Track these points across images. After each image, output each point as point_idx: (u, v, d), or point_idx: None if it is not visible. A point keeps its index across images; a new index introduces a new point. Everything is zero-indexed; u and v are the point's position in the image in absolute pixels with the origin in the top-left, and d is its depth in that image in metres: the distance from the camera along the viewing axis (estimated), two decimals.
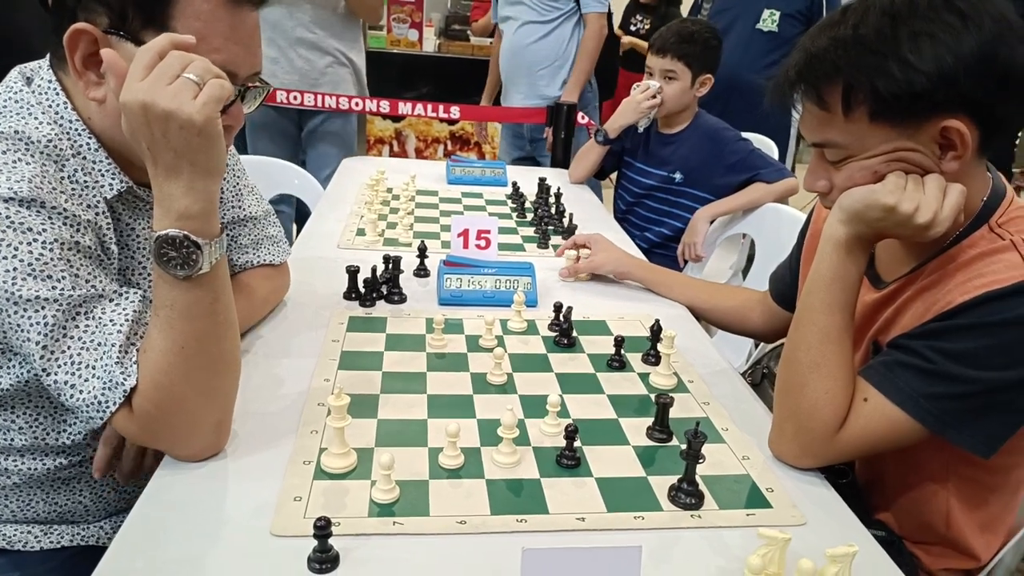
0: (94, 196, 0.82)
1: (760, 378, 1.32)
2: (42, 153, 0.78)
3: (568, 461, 0.84)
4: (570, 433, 0.84)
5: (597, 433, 0.91)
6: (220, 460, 0.81)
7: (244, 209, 1.12)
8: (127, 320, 0.75)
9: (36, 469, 0.88)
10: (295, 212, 2.57)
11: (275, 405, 0.91)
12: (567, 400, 0.98)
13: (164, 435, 0.77)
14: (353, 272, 1.24)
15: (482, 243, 1.38)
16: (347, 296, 1.24)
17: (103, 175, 0.83)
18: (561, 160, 2.48)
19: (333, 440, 0.80)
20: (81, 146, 0.82)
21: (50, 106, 0.81)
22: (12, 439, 0.86)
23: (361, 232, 1.58)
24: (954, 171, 0.81)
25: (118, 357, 0.73)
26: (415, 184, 1.90)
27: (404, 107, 2.58)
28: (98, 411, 0.74)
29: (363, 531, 0.71)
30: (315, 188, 2.02)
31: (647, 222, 2.12)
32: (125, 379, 0.73)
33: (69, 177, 0.80)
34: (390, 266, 1.26)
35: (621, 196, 2.19)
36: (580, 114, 2.55)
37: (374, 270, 1.25)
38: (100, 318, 0.75)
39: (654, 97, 1.97)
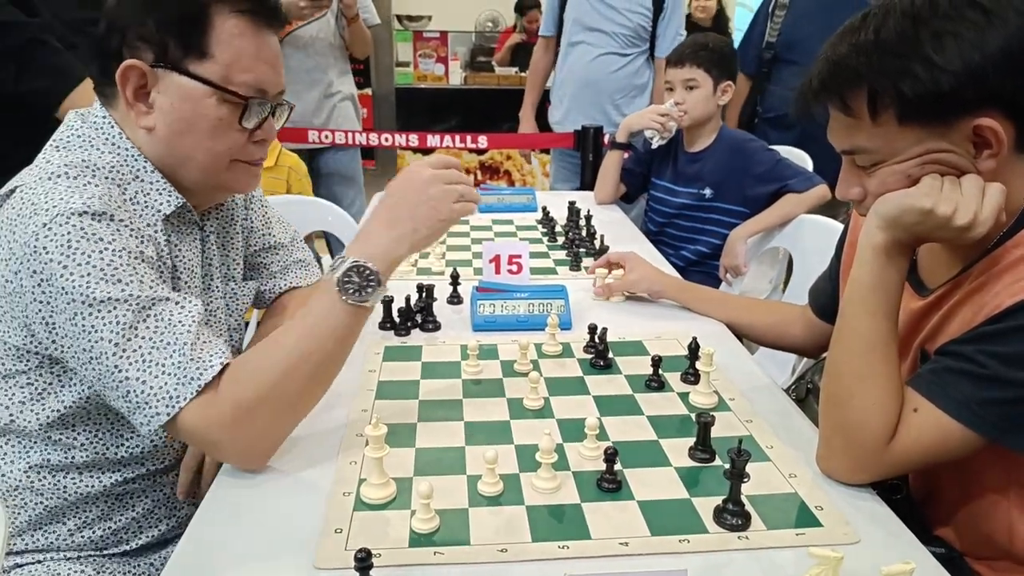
0: (153, 215, 0.91)
1: (805, 393, 1.29)
2: (106, 178, 0.87)
3: (609, 484, 0.82)
4: (610, 456, 0.82)
5: (638, 455, 0.89)
6: (263, 493, 0.82)
7: (273, 236, 1.18)
8: (194, 321, 0.81)
9: (93, 487, 0.92)
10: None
11: (315, 437, 0.92)
12: (606, 422, 0.96)
13: (232, 431, 0.80)
14: (387, 302, 1.25)
15: (514, 268, 1.38)
16: (382, 326, 1.25)
17: (160, 194, 0.92)
18: (590, 183, 2.48)
19: (372, 470, 0.80)
20: (139, 170, 0.91)
21: (108, 138, 0.91)
22: (73, 456, 0.90)
23: None
24: (991, 170, 0.79)
25: (191, 354, 0.79)
26: None
27: (432, 139, 2.62)
28: (167, 405, 0.78)
29: (404, 562, 0.71)
30: (349, 224, 2.06)
31: (681, 241, 2.10)
32: (201, 374, 0.79)
33: (131, 199, 0.89)
34: (423, 295, 1.27)
35: (652, 218, 2.17)
36: (606, 136, 2.56)
37: (408, 299, 1.26)
38: (169, 319, 0.81)
39: (668, 116, 1.98)
